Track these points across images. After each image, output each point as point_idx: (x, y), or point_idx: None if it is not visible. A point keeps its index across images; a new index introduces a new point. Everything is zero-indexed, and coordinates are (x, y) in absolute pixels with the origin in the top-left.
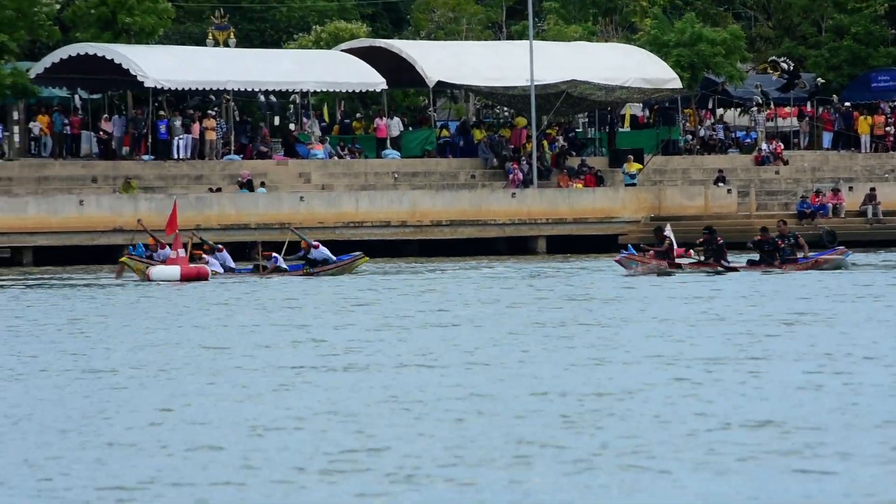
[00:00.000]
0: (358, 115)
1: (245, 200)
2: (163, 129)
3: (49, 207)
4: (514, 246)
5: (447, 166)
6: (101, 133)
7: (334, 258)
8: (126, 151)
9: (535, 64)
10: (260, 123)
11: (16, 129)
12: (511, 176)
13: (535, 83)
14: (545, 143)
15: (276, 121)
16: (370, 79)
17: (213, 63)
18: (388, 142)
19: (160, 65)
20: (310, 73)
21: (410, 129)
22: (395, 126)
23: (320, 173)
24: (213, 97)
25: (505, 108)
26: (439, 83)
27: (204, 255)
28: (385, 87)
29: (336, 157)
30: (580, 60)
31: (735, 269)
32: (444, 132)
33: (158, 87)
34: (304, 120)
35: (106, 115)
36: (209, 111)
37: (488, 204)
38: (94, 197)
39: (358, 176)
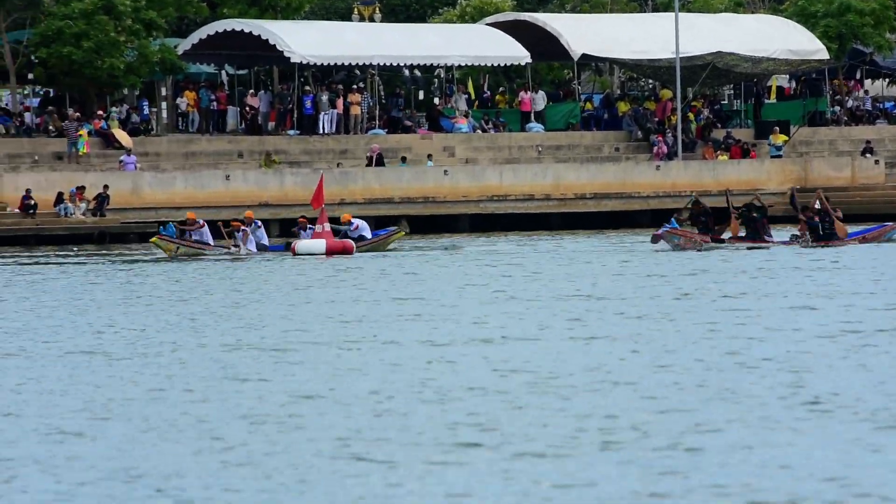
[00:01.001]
0: (501, 88)
1: (389, 174)
2: (308, 104)
3: (196, 182)
4: (657, 218)
5: (591, 139)
6: (247, 108)
7: (369, 235)
8: (272, 126)
9: (681, 36)
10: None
11: (163, 105)
12: (655, 148)
13: (681, 55)
14: (690, 115)
15: (421, 95)
16: (515, 52)
17: (359, 38)
18: (532, 115)
19: (306, 40)
20: (454, 47)
21: (554, 102)
22: (539, 99)
23: (464, 147)
24: (358, 72)
25: (650, 81)
26: (584, 56)
27: (244, 228)
28: (529, 60)
29: (480, 131)
30: (726, 32)
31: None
32: (589, 105)
33: (304, 62)
34: (449, 94)
35: (252, 91)
36: (354, 86)
37: (632, 177)
38: (241, 172)
39: (502, 150)
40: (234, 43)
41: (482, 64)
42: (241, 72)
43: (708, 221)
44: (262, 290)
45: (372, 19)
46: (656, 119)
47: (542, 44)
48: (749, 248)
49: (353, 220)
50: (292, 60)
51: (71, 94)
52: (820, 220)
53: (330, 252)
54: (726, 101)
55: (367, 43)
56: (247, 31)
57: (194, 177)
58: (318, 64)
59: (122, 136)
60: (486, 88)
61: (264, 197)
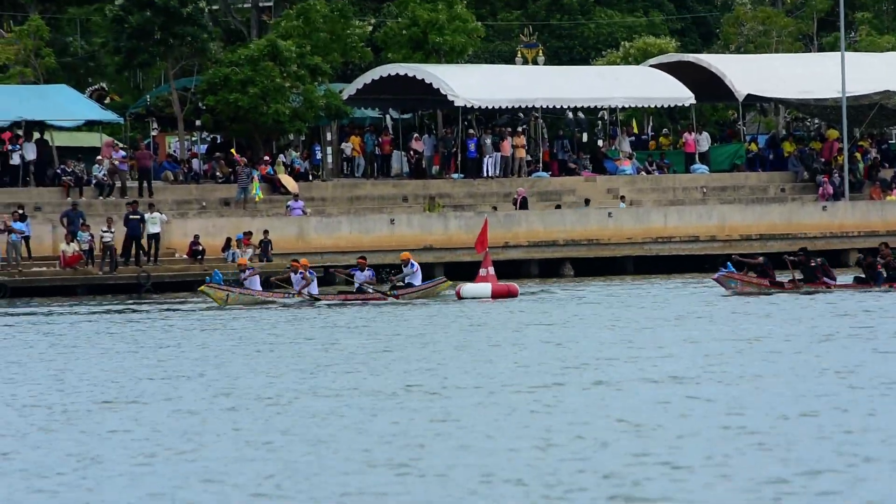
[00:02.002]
0: (665, 130)
1: (553, 217)
2: (472, 147)
3: (361, 226)
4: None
5: (756, 180)
6: (411, 153)
7: (417, 283)
8: (436, 170)
9: (847, 75)
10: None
11: (329, 149)
12: (821, 189)
13: (847, 94)
14: (857, 155)
15: (584, 137)
16: (679, 93)
17: (522, 81)
18: (697, 156)
19: (469, 83)
20: (618, 89)
21: (719, 143)
22: (703, 140)
23: (628, 189)
24: (521, 115)
25: (815, 121)
26: (748, 97)
27: (302, 271)
28: (694, 101)
29: (644, 173)
30: (893, 71)
31: (831, 288)
32: (753, 146)
33: (468, 105)
34: (612, 136)
35: (416, 135)
36: (518, 128)
37: (799, 217)
38: (405, 216)
39: (666, 191)
40: (399, 87)
41: (646, 105)
42: (405, 116)
43: (765, 267)
44: (440, 332)
45: (535, 62)
46: (822, 159)
47: (707, 84)
48: (810, 294)
49: (411, 261)
50: (456, 104)
51: (238, 139)
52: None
53: (495, 296)
54: (894, 141)
55: (531, 86)
56: (411, 75)
57: (359, 221)
58: (482, 107)
59: (288, 181)
60: (649, 130)
61: (428, 241)
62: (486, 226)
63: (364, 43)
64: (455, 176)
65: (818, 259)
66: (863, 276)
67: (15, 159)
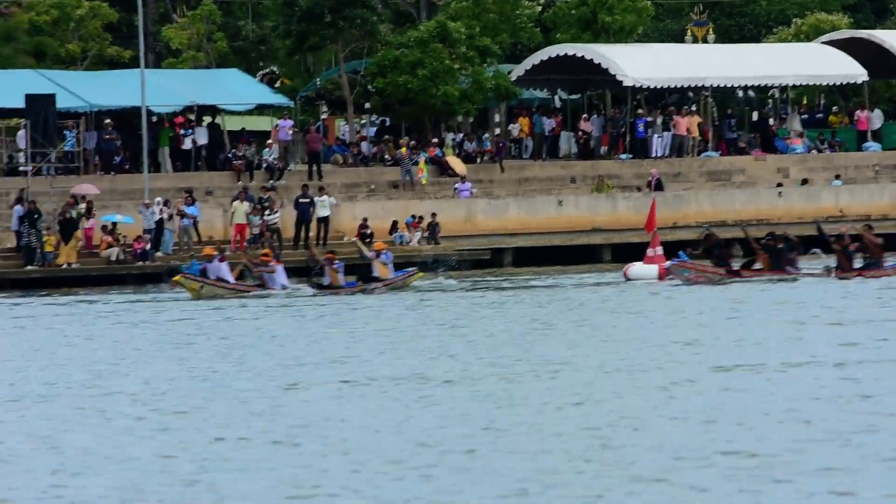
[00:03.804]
0: (836, 108)
1: (722, 197)
2: (641, 127)
3: (529, 208)
4: None
5: None
6: (579, 133)
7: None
8: (604, 151)
9: None
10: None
11: (497, 130)
12: None
13: None
14: None
15: (755, 116)
16: (851, 70)
17: (692, 60)
18: (869, 134)
19: (639, 63)
20: (789, 67)
21: (892, 120)
22: (876, 118)
23: (799, 168)
24: (691, 94)
25: None
26: None
27: (271, 264)
28: (867, 78)
29: (815, 151)
30: None
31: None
32: None
33: (637, 85)
34: (784, 114)
35: (585, 115)
36: (687, 107)
37: None
38: (573, 197)
39: (838, 169)
40: (567, 68)
41: (817, 83)
42: (573, 97)
43: (722, 254)
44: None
45: (705, 40)
46: None
47: (880, 61)
48: (772, 280)
49: (385, 251)
50: (625, 84)
51: (406, 122)
52: (858, 248)
53: (662, 277)
54: None
55: (701, 64)
56: (579, 55)
57: (527, 203)
58: (651, 87)
59: (456, 163)
60: (821, 107)
61: (596, 222)
62: (655, 206)
63: (533, 23)
64: (623, 156)
65: (791, 240)
66: (835, 264)
67: (187, 144)
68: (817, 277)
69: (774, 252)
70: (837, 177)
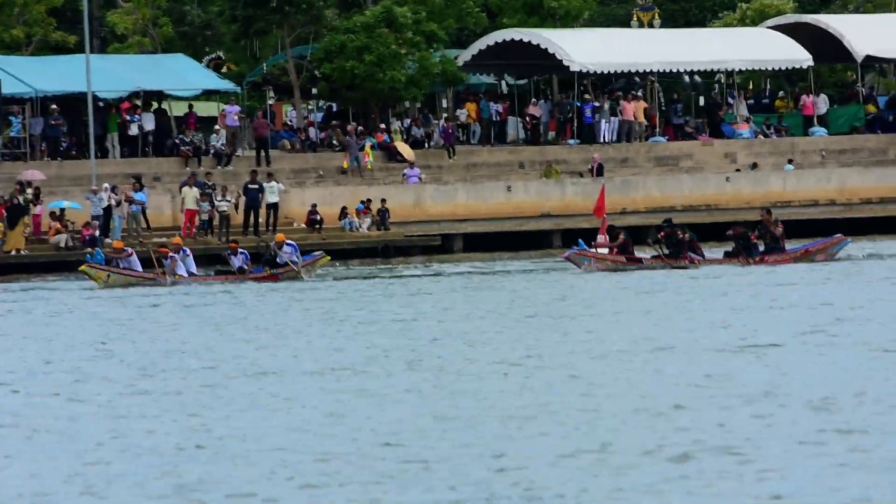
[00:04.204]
0: (782, 92)
1: (670, 182)
2: (588, 112)
3: (477, 194)
4: None
5: (876, 142)
6: (527, 118)
7: (298, 259)
8: (552, 136)
9: None
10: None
11: (444, 116)
12: None
13: None
14: None
15: (701, 101)
16: (796, 55)
17: (638, 45)
18: (815, 119)
19: (586, 48)
20: (735, 52)
21: (837, 105)
22: (822, 103)
23: (746, 153)
24: (637, 79)
25: None
26: (867, 57)
27: (172, 255)
28: (812, 63)
29: (762, 136)
30: None
31: (697, 263)
32: (872, 108)
33: (584, 70)
34: (730, 100)
35: (533, 100)
36: (634, 93)
37: None
38: (522, 183)
39: (784, 154)
40: (514, 53)
41: (763, 68)
42: (520, 82)
43: (625, 243)
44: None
45: (651, 25)
46: None
47: (825, 45)
48: (673, 268)
49: (287, 242)
50: (572, 69)
51: (354, 108)
52: (758, 236)
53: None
54: None
55: (647, 49)
56: (526, 40)
57: (476, 188)
58: (598, 72)
59: (404, 149)
60: (767, 93)
61: (546, 207)
62: (604, 191)
63: (479, 8)
64: (571, 142)
65: (686, 233)
66: (731, 250)
67: (133, 130)
68: (719, 265)
69: (673, 240)
70: (790, 161)
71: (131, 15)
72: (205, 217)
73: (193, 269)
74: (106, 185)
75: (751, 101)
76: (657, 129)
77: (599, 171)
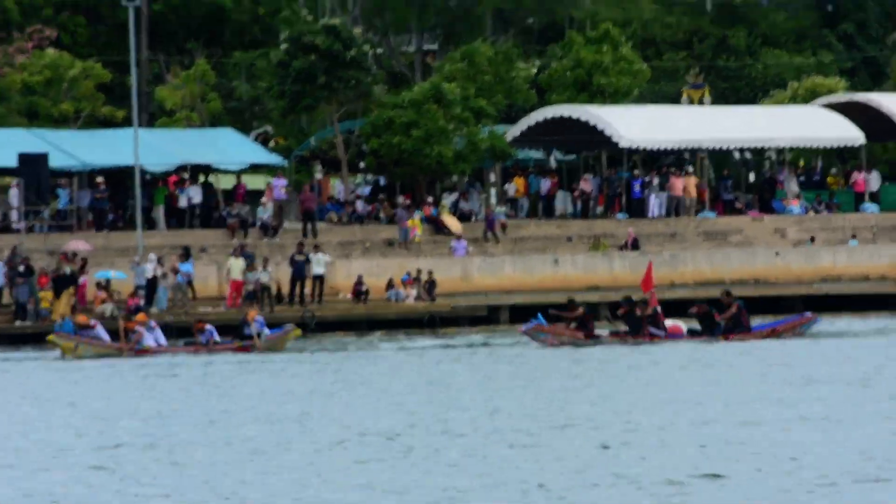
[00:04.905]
0: (833, 170)
1: (719, 256)
2: (637, 187)
3: (524, 266)
4: None
5: None
6: (575, 193)
7: (268, 331)
8: (600, 210)
9: None
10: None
11: (492, 191)
12: None
13: None
14: None
15: (752, 177)
16: (848, 133)
17: (688, 122)
18: (867, 196)
19: (635, 125)
20: (786, 129)
21: (889, 182)
22: (873, 180)
23: (796, 228)
24: (687, 155)
25: None
26: None
27: (138, 328)
28: (864, 141)
29: (813, 213)
30: None
31: (658, 339)
32: None
33: (633, 147)
34: (780, 177)
35: (585, 175)
36: (684, 168)
37: None
38: (569, 256)
39: (836, 230)
40: (563, 128)
41: (815, 145)
42: (569, 157)
43: (586, 318)
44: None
45: (701, 102)
46: None
47: (877, 124)
48: (634, 344)
49: (258, 317)
50: (621, 145)
51: (402, 182)
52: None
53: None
54: None
55: (697, 126)
56: (575, 116)
57: (523, 261)
58: (647, 148)
59: (451, 221)
60: (818, 170)
61: (593, 280)
62: (651, 267)
63: (528, 85)
64: (620, 216)
65: (646, 309)
66: (698, 327)
67: (182, 202)
68: (678, 340)
69: (632, 318)
70: (854, 236)
71: (179, 90)
72: (250, 288)
73: (163, 340)
74: (152, 255)
75: (802, 178)
76: (706, 205)
77: (635, 246)
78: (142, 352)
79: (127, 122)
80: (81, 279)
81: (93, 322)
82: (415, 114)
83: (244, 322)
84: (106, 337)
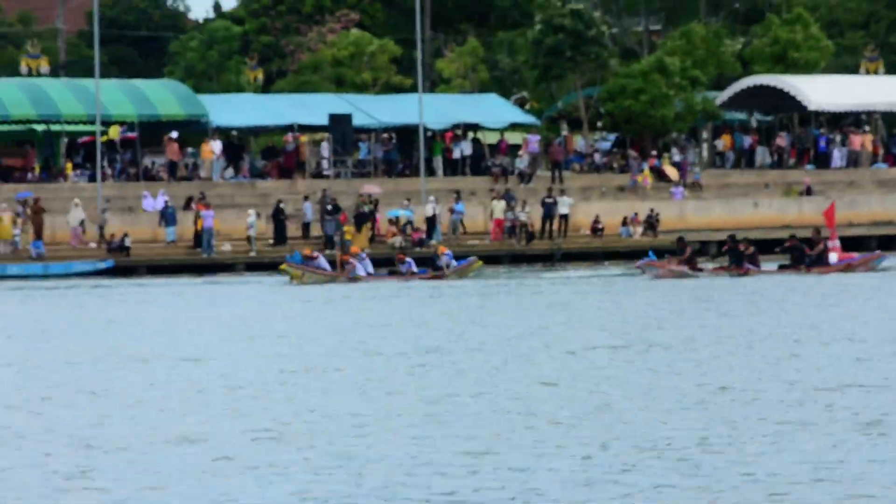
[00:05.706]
0: None
1: (891, 200)
2: (823, 143)
3: (730, 209)
4: None
5: None
6: (772, 147)
7: (455, 263)
8: (792, 162)
9: None
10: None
11: (704, 145)
12: None
13: None
14: None
15: None
16: None
17: (865, 89)
18: None
19: (821, 91)
20: None
21: None
22: None
23: None
24: (864, 117)
25: None
26: None
27: (351, 260)
28: None
29: None
30: None
31: (750, 273)
32: None
33: (819, 109)
34: None
35: (780, 133)
36: (862, 128)
37: None
38: (767, 200)
39: None
40: (762, 94)
41: None
42: (767, 118)
43: (690, 255)
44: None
45: (876, 72)
46: None
47: None
48: (732, 276)
49: (447, 252)
50: (809, 108)
51: (631, 138)
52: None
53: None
54: None
55: (872, 92)
56: (772, 84)
57: (729, 204)
58: (831, 111)
59: (671, 171)
60: None
61: (786, 220)
62: (833, 207)
63: (734, 58)
64: (809, 167)
65: (750, 247)
66: (786, 262)
67: (455, 154)
68: (772, 274)
69: (735, 252)
70: None
71: (455, 62)
72: (509, 225)
73: (371, 269)
74: (431, 197)
75: None
76: (880, 157)
77: (808, 192)
78: (354, 279)
79: (413, 89)
80: (376, 216)
81: (315, 254)
82: (642, 82)
83: (436, 255)
84: (327, 267)
